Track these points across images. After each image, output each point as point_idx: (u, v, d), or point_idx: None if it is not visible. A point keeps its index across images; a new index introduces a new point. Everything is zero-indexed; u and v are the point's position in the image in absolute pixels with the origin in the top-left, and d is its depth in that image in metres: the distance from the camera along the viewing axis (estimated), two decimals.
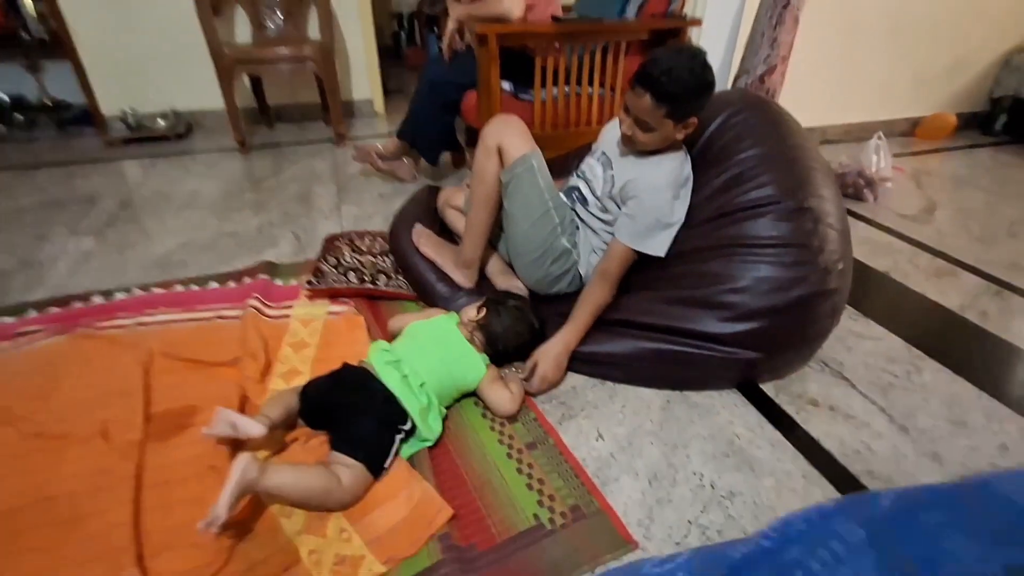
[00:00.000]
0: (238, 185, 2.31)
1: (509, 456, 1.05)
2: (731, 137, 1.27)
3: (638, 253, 1.24)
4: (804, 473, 1.04)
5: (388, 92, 3.45)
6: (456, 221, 1.60)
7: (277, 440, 1.03)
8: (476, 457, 1.05)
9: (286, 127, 3.08)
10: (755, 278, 1.11)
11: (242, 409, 1.11)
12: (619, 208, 1.28)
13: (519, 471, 1.02)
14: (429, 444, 1.05)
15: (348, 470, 0.91)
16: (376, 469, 0.95)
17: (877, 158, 2.15)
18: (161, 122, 2.79)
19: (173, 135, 2.79)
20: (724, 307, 1.13)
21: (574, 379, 1.25)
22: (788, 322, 1.11)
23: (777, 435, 1.12)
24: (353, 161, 2.33)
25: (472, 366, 1.12)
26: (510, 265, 1.48)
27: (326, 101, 2.90)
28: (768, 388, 1.24)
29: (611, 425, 1.14)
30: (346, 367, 1.07)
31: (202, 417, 1.10)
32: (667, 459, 1.06)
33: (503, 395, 1.12)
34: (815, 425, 1.14)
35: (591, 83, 1.95)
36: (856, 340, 1.39)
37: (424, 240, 1.51)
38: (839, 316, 1.18)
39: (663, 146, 1.20)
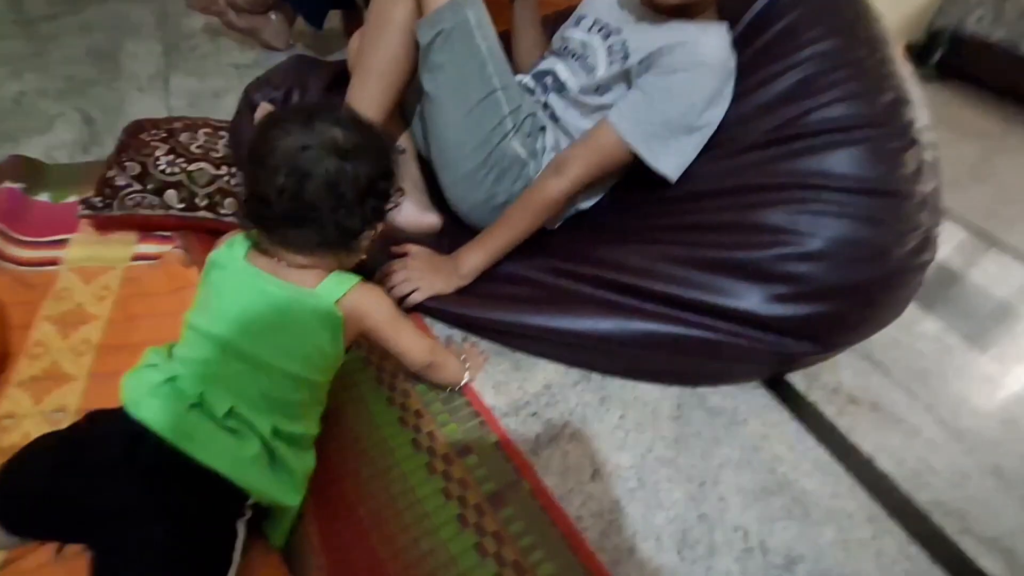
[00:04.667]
0: None
1: (462, 521, 0.64)
2: (793, 22, 0.84)
3: (628, 157, 0.82)
4: (869, 515, 0.76)
5: None
6: None
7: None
8: (406, 526, 0.62)
9: None
10: (835, 240, 0.74)
11: None
12: (628, 87, 0.83)
13: (481, 551, 0.62)
14: (295, 511, 0.58)
15: None
16: None
17: None
18: None
19: None
20: (783, 279, 0.76)
21: (548, 373, 0.84)
22: (866, 306, 0.78)
23: (823, 454, 0.82)
24: (190, 10, 1.56)
25: (297, 309, 0.55)
26: (429, 178, 0.98)
27: None
28: (796, 378, 0.93)
29: (610, 450, 0.76)
30: (91, 421, 0.52)
31: None
32: (696, 506, 0.72)
33: (399, 335, 0.64)
34: (863, 434, 0.86)
35: None
36: None
37: None
38: None
39: None
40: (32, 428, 0.62)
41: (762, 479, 0.77)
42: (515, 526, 0.64)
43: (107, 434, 0.49)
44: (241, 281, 0.55)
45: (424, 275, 0.83)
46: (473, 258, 0.85)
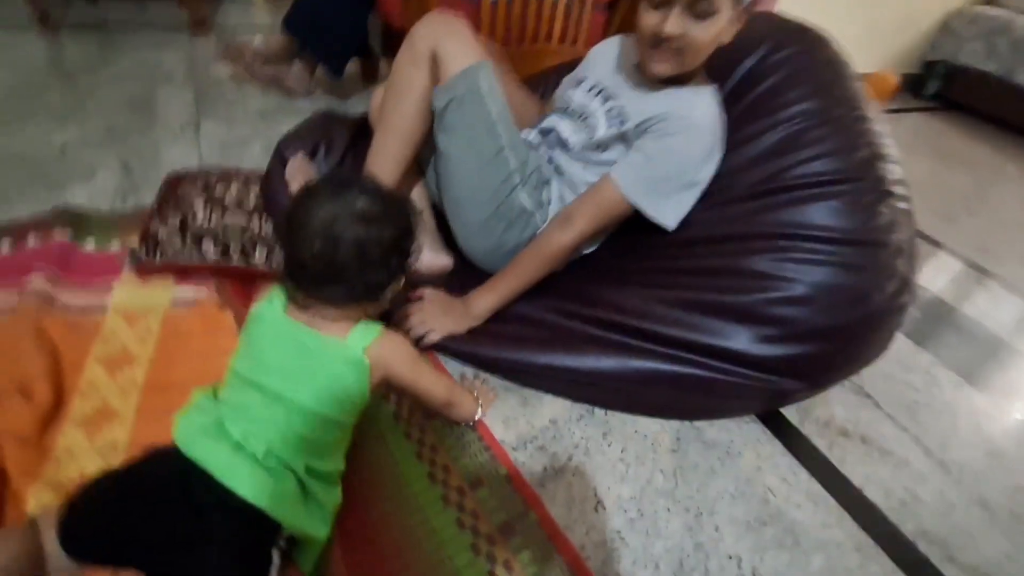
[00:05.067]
0: (35, 79, 1.58)
1: (475, 550, 0.69)
2: (777, 82, 0.92)
3: (635, 214, 0.89)
4: (856, 543, 0.80)
5: None
6: None
7: None
8: (424, 554, 0.68)
9: (117, 4, 2.22)
10: (817, 285, 0.80)
11: (1, 501, 0.63)
12: (627, 148, 0.90)
13: None
14: (323, 542, 0.63)
15: None
16: None
17: None
18: None
19: None
20: (770, 322, 0.82)
21: (554, 408, 0.90)
22: (848, 347, 0.83)
23: (815, 486, 0.87)
24: (220, 60, 1.67)
25: (329, 357, 0.62)
26: (441, 222, 1.06)
27: None
28: (789, 412, 0.98)
29: (612, 482, 0.81)
30: (149, 458, 0.59)
31: None
32: (692, 535, 0.77)
33: (420, 378, 0.70)
34: (852, 466, 0.91)
35: None
36: None
37: (300, 179, 1.02)
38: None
39: (705, 59, 0.84)
40: (87, 463, 0.68)
41: (755, 510, 0.82)
42: (524, 555, 0.70)
43: (163, 471, 0.56)
44: (280, 332, 0.62)
45: (438, 317, 0.90)
46: (484, 301, 0.91)
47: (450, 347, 0.90)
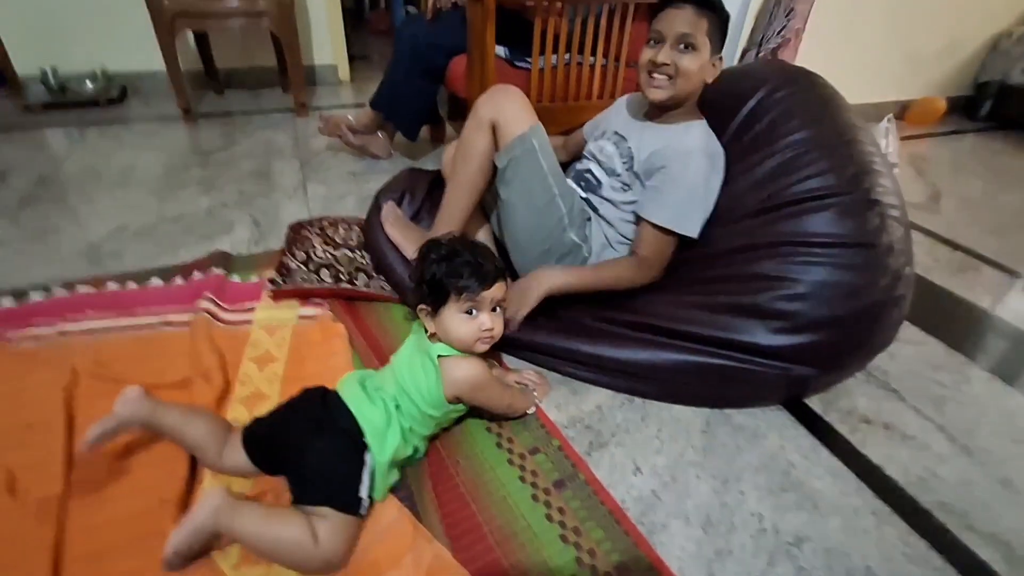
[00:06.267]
0: (182, 159, 2.00)
1: (535, 499, 0.87)
2: (775, 117, 1.10)
3: (671, 237, 1.07)
4: (873, 509, 0.90)
5: (352, 58, 3.14)
6: None
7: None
8: (495, 500, 0.86)
9: (238, 94, 2.73)
10: (815, 283, 0.95)
11: None
12: (643, 186, 1.10)
13: (549, 518, 0.84)
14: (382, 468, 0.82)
15: (324, 521, 0.72)
16: (348, 503, 0.75)
17: (886, 142, 2.04)
18: (89, 85, 2.41)
19: (104, 100, 2.41)
20: (778, 316, 0.96)
21: (599, 397, 1.07)
22: (851, 335, 0.96)
23: (835, 462, 0.98)
24: (319, 134, 2.05)
25: (424, 352, 0.86)
26: (501, 251, 1.28)
27: (284, 65, 2.58)
28: (814, 403, 1.10)
29: (648, 454, 0.97)
30: (302, 391, 0.87)
31: (145, 457, 0.87)
32: (719, 497, 0.90)
33: (484, 401, 0.91)
34: (873, 448, 1.01)
35: (593, 52, 1.74)
36: (896, 345, 1.26)
37: (392, 220, 1.29)
38: (900, 326, 1.04)
39: (693, 90, 1.05)
40: None
41: (778, 480, 0.94)
42: (574, 503, 0.86)
43: (313, 393, 0.85)
44: (415, 335, 0.90)
45: (516, 301, 1.07)
46: (559, 275, 1.08)
47: (518, 339, 1.09)
